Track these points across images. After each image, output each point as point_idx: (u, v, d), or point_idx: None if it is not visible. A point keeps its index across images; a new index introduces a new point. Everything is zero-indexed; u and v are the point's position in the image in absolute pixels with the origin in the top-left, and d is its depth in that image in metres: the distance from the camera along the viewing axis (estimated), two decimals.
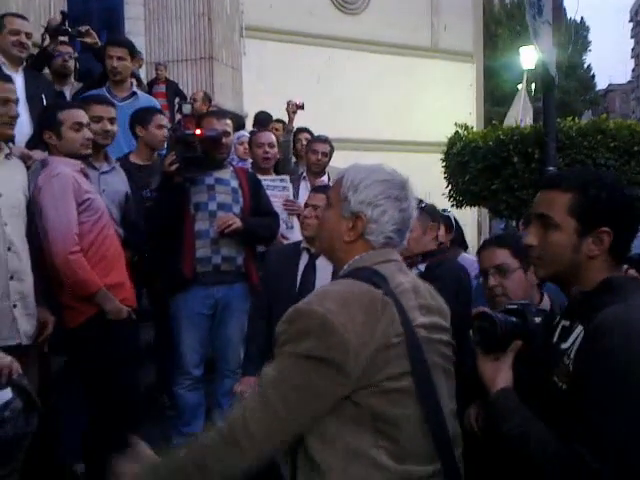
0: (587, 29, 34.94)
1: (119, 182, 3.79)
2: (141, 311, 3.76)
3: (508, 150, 8.18)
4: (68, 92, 5.39)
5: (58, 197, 3.11)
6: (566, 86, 26.77)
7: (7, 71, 4.23)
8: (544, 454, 1.45)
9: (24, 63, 4.63)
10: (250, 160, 5.40)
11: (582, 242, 1.56)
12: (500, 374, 1.63)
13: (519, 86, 13.95)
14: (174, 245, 3.75)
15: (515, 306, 1.76)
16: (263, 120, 7.29)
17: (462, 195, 9.24)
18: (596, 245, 1.56)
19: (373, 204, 1.66)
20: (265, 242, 4.14)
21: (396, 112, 13.51)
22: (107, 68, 4.69)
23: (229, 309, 3.83)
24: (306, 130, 6.10)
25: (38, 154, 3.39)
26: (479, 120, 15.11)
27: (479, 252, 2.55)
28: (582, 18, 34.13)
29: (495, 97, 22.19)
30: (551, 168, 7.32)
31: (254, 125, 7.42)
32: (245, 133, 6.50)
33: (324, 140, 5.17)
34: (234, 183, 3.90)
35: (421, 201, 2.90)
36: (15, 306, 2.92)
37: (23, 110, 3.79)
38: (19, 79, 4.26)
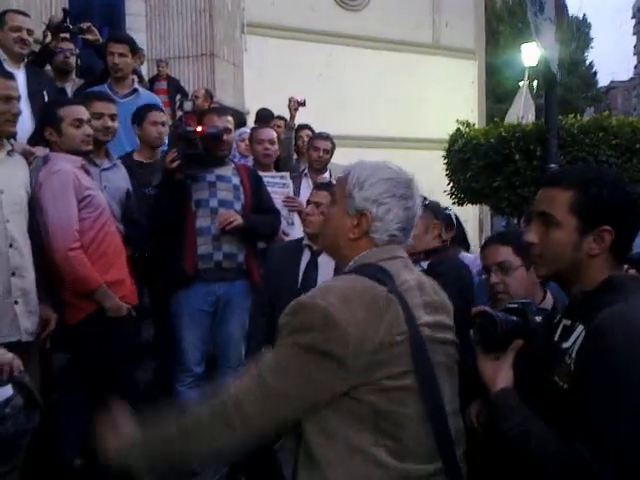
0: (589, 26, 34.86)
1: (120, 179, 3.79)
2: (142, 308, 3.76)
3: (510, 147, 8.19)
4: (69, 89, 5.39)
5: (58, 193, 3.11)
6: (568, 83, 26.73)
7: (8, 68, 4.24)
8: (545, 453, 1.45)
9: (25, 60, 4.63)
10: (252, 157, 5.40)
11: (583, 240, 1.55)
12: (500, 374, 1.63)
13: (521, 83, 13.95)
14: (175, 242, 3.75)
15: (515, 305, 1.75)
16: (264, 117, 7.28)
17: (463, 192, 9.24)
18: (597, 243, 1.55)
19: (378, 202, 1.66)
20: (266, 239, 4.15)
21: (398, 109, 13.49)
22: (108, 65, 4.69)
23: (230, 306, 3.83)
24: (307, 127, 6.10)
25: (40, 150, 3.39)
26: (481, 117, 15.11)
27: (482, 249, 2.55)
28: (584, 15, 34.22)
29: (497, 94, 22.15)
30: (553, 165, 7.32)
31: (256, 122, 7.41)
32: (247, 130, 6.48)
33: (325, 137, 5.17)
34: (235, 180, 3.90)
35: (425, 199, 2.90)
36: (16, 303, 2.92)
37: (25, 107, 3.80)
38: (21, 76, 4.27)
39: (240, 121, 6.69)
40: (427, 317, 1.60)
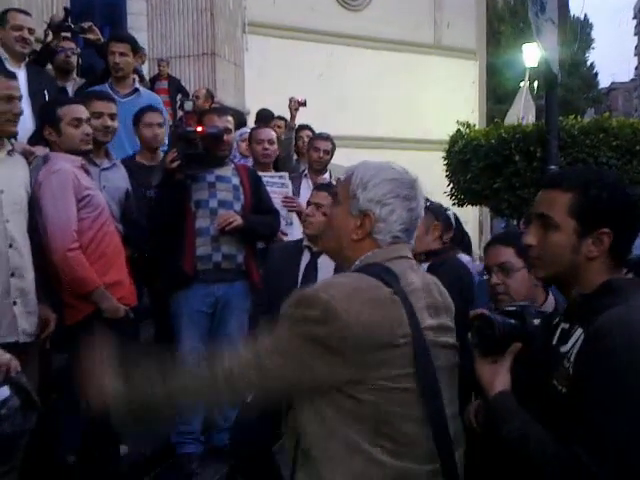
0: (590, 27, 34.88)
1: (120, 179, 3.78)
2: (141, 308, 3.75)
3: (510, 148, 8.19)
4: (70, 88, 5.39)
5: (57, 193, 3.10)
6: (569, 84, 26.73)
7: (10, 67, 4.24)
8: (543, 456, 1.45)
9: (26, 59, 4.63)
10: (251, 157, 5.39)
11: (582, 243, 1.55)
12: (498, 377, 1.62)
13: (521, 84, 13.94)
14: (175, 242, 3.75)
15: (514, 308, 1.75)
16: (265, 117, 7.28)
17: (463, 193, 9.25)
18: (596, 246, 1.54)
19: (382, 203, 1.66)
20: (266, 240, 4.14)
21: (398, 109, 13.49)
22: (109, 64, 4.69)
23: (229, 307, 3.82)
24: (308, 127, 6.09)
25: (40, 150, 3.38)
26: (481, 118, 15.11)
27: (485, 249, 2.56)
28: (585, 15, 34.17)
29: (497, 95, 22.17)
30: (553, 167, 7.32)
31: (256, 122, 7.41)
32: (248, 130, 6.49)
33: (326, 138, 5.17)
34: (235, 180, 3.90)
35: (427, 200, 2.90)
36: (15, 303, 2.91)
37: (26, 106, 3.79)
38: (22, 75, 4.27)
39: (240, 121, 6.69)
40: (431, 320, 1.60)
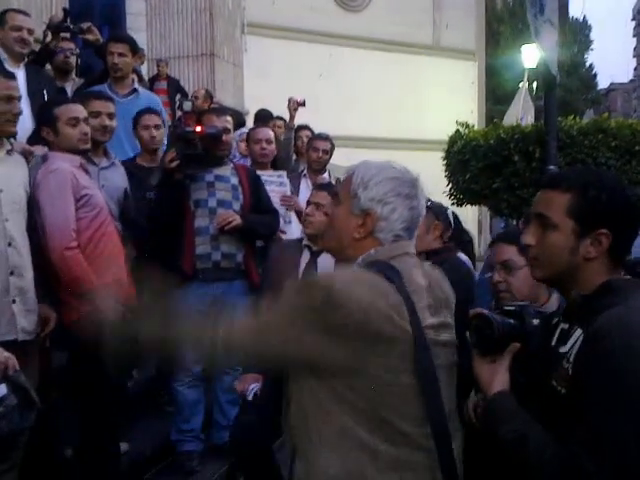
0: (589, 28, 34.91)
1: (118, 178, 3.78)
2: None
3: (509, 149, 8.17)
4: (69, 88, 5.39)
5: (55, 193, 3.10)
6: (568, 85, 26.75)
7: (9, 67, 4.24)
8: (542, 456, 1.44)
9: (26, 59, 4.63)
10: (249, 156, 5.39)
11: (580, 244, 1.54)
12: (497, 377, 1.61)
13: (521, 84, 13.94)
14: (174, 242, 3.75)
15: (513, 307, 1.75)
16: (264, 118, 7.27)
17: (463, 193, 9.22)
18: (594, 247, 1.54)
19: (383, 201, 1.66)
20: (265, 239, 4.15)
21: (397, 110, 13.50)
22: (108, 64, 4.69)
23: None
24: (307, 127, 6.09)
25: (39, 149, 3.39)
26: (480, 118, 15.11)
27: (490, 247, 2.56)
28: (584, 17, 34.20)
29: (497, 95, 22.16)
30: (552, 167, 7.31)
31: (255, 123, 7.41)
32: (247, 130, 6.49)
33: (325, 138, 5.18)
34: (234, 180, 3.90)
35: (428, 199, 2.91)
36: (14, 302, 2.92)
37: (25, 106, 3.79)
38: (21, 75, 4.27)
39: (239, 121, 6.69)
40: (432, 319, 1.61)
